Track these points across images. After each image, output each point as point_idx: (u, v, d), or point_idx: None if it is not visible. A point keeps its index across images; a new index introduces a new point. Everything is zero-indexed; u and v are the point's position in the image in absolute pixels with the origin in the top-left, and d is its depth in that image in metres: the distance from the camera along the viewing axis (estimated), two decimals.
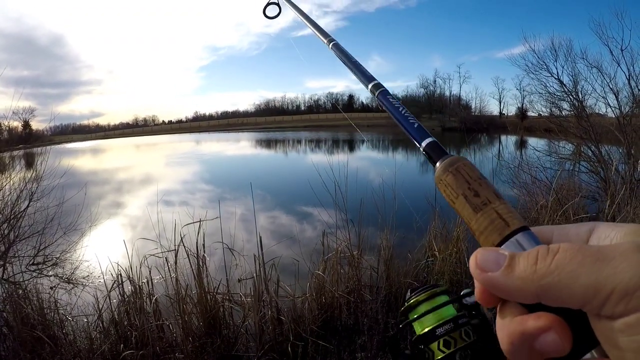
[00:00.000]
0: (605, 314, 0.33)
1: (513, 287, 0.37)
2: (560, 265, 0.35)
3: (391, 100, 0.68)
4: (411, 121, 0.61)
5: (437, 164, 0.50)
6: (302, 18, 1.33)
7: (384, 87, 0.74)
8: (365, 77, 0.80)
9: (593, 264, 0.33)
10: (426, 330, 0.64)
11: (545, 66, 9.99)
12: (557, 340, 0.35)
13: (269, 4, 1.72)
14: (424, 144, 0.56)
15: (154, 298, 4.13)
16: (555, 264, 0.35)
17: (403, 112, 0.64)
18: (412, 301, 0.68)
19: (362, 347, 3.96)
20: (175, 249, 4.17)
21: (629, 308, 0.32)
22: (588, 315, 0.36)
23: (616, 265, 0.33)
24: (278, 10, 1.72)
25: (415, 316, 0.67)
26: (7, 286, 5.13)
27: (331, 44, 1.05)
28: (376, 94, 0.73)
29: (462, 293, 0.67)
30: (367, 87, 0.77)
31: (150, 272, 4.29)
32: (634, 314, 0.32)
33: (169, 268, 4.19)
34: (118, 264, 4.38)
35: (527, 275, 0.36)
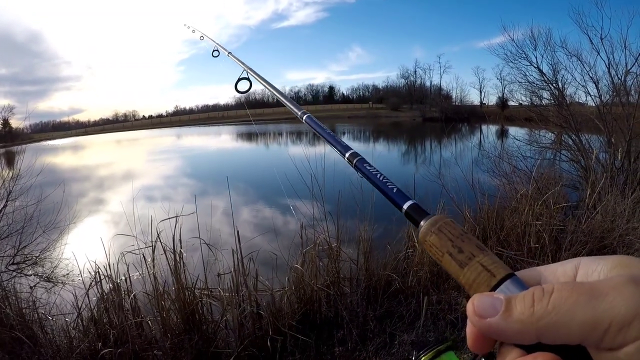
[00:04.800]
0: (606, 346, 0.35)
1: (513, 330, 0.39)
2: (558, 305, 0.37)
3: (368, 168, 0.69)
4: (390, 186, 0.62)
5: (421, 224, 0.52)
6: (274, 92, 1.36)
7: (360, 155, 0.74)
8: (341, 146, 0.81)
9: (589, 301, 0.36)
10: None
11: (524, 55, 10.07)
12: None
13: (240, 79, 1.75)
14: (405, 206, 0.57)
15: (132, 295, 4.10)
16: (552, 304, 0.37)
17: (381, 178, 0.65)
18: None
19: (342, 340, 3.97)
20: (152, 245, 4.14)
21: (627, 338, 0.34)
22: (588, 349, 0.37)
23: (610, 300, 0.35)
24: (249, 85, 1.75)
25: None
26: None
27: (305, 116, 1.07)
28: (354, 163, 0.74)
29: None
30: (344, 156, 0.78)
31: (128, 269, 4.25)
32: (633, 343, 0.34)
33: (146, 265, 4.16)
34: (95, 262, 4.33)
35: (525, 317, 0.38)
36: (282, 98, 1.27)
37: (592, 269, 0.42)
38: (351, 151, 0.77)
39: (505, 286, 0.43)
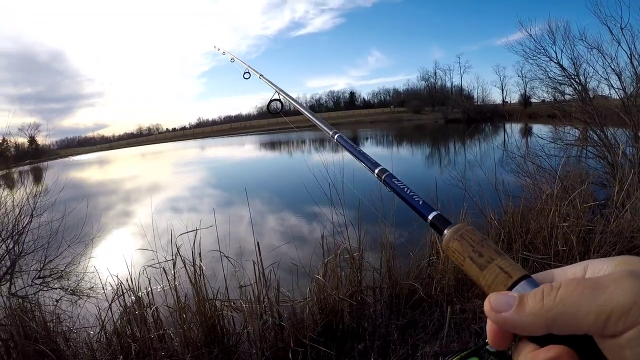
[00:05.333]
0: (608, 333, 0.39)
1: (525, 322, 0.43)
2: (564, 298, 0.41)
3: (396, 182, 0.75)
4: (416, 199, 0.67)
5: (444, 233, 0.57)
6: (306, 113, 1.41)
7: (388, 171, 0.80)
8: (371, 163, 0.87)
9: (592, 293, 0.40)
10: None
11: (543, 50, 9.85)
12: None
13: (272, 100, 1.81)
14: (430, 217, 0.62)
15: (154, 308, 4.12)
16: (559, 297, 0.41)
17: (408, 192, 0.70)
18: None
19: (363, 352, 3.89)
20: (172, 259, 4.15)
21: (627, 324, 0.37)
22: (594, 338, 0.41)
23: (611, 291, 0.39)
24: (281, 106, 1.82)
25: None
26: (13, 300, 5.13)
27: (336, 135, 1.12)
28: (382, 178, 0.80)
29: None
30: (373, 172, 0.84)
31: (149, 282, 4.27)
32: (633, 329, 0.37)
33: (167, 278, 4.17)
34: (117, 276, 4.36)
35: (536, 310, 0.42)
36: (313, 118, 1.33)
37: (598, 268, 0.46)
38: (380, 167, 0.83)
39: (521, 286, 0.47)
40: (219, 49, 3.32)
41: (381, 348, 3.90)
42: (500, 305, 0.45)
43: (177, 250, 4.11)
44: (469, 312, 4.23)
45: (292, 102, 1.61)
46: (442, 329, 3.99)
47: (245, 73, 2.47)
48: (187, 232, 4.22)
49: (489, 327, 0.48)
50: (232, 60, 2.93)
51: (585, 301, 0.39)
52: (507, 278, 0.47)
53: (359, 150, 0.95)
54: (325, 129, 1.20)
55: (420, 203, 0.66)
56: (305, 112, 1.38)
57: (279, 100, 1.80)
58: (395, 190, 0.74)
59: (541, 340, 0.44)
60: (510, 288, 0.47)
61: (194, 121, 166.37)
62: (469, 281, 4.60)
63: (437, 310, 4.30)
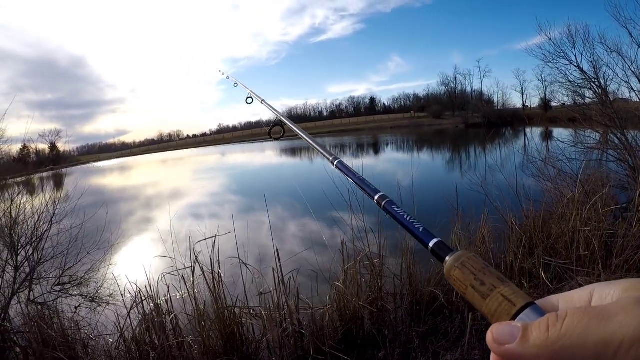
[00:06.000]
0: None
1: (530, 354, 0.41)
2: (571, 329, 0.39)
3: (396, 209, 0.73)
4: (417, 226, 0.66)
5: (446, 260, 0.55)
6: (305, 137, 1.40)
7: (388, 197, 0.79)
8: (371, 189, 0.85)
9: (599, 323, 0.38)
10: None
11: (563, 54, 9.74)
12: None
13: (273, 125, 1.82)
14: (431, 244, 0.61)
15: (172, 315, 4.11)
16: (566, 328, 0.39)
17: (409, 219, 0.69)
18: None
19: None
20: (192, 266, 4.14)
21: (638, 355, 0.35)
22: None
23: (620, 320, 0.37)
24: (282, 132, 1.82)
25: None
26: (33, 307, 5.17)
27: (336, 161, 1.10)
28: (382, 205, 0.78)
29: None
30: (373, 199, 0.82)
31: (168, 289, 4.27)
32: None
33: (186, 285, 4.16)
34: (136, 283, 4.37)
35: (541, 342, 0.40)
36: (314, 144, 1.31)
37: (605, 293, 0.44)
38: (380, 194, 0.81)
39: (525, 314, 0.45)
40: (223, 73, 3.36)
41: (402, 356, 3.85)
42: (503, 337, 0.43)
43: (196, 257, 4.10)
44: None
45: (293, 127, 1.62)
46: (463, 336, 3.92)
47: (247, 98, 2.49)
48: (206, 239, 4.22)
49: (493, 359, 0.46)
50: (236, 84, 2.93)
51: (593, 331, 0.38)
52: (511, 306, 0.46)
53: (359, 177, 0.94)
54: (326, 155, 1.18)
55: (421, 230, 0.65)
56: (306, 138, 1.38)
57: (280, 125, 1.80)
58: (395, 217, 0.72)
59: None
60: (514, 317, 0.45)
61: (214, 127, 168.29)
62: None
63: (459, 317, 4.23)
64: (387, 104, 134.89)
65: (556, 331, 0.39)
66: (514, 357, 0.42)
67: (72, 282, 6.82)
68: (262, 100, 2.26)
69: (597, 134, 9.35)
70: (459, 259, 0.53)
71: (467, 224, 5.28)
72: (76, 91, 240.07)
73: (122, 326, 4.07)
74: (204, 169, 40.42)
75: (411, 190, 5.02)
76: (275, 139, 1.85)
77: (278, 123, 1.80)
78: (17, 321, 4.94)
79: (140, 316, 4.19)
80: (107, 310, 5.39)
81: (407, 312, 4.48)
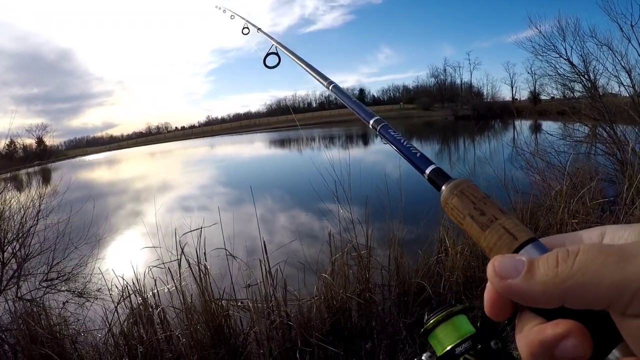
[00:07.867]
0: (633, 312, 0.33)
1: (536, 292, 0.37)
2: (584, 266, 0.35)
3: (392, 133, 0.71)
4: (413, 151, 0.63)
5: (442, 189, 0.52)
6: (301, 64, 1.37)
7: (384, 122, 0.76)
8: (366, 114, 0.83)
9: (617, 263, 0.33)
10: (446, 350, 0.67)
11: (553, 47, 9.78)
12: (577, 346, 0.35)
13: (268, 54, 1.79)
14: (427, 171, 0.58)
15: (160, 309, 4.09)
16: (578, 265, 0.35)
17: (405, 143, 0.66)
18: (429, 323, 0.71)
19: (370, 352, 3.85)
20: (178, 259, 4.12)
21: None
22: (612, 315, 0.35)
23: None
24: (278, 60, 1.80)
25: (434, 339, 0.70)
26: (19, 304, 5.12)
27: (331, 86, 1.11)
28: (378, 129, 0.76)
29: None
30: (368, 123, 0.80)
31: (155, 283, 4.25)
32: None
33: (172, 278, 4.14)
34: (123, 277, 4.34)
35: (549, 279, 0.36)
36: (309, 70, 1.29)
37: (619, 235, 0.41)
38: (376, 117, 0.79)
39: (527, 250, 0.41)
40: (219, 8, 3.32)
41: (389, 347, 3.86)
42: (506, 271, 0.39)
43: (182, 249, 4.07)
44: (478, 310, 4.17)
45: (290, 55, 1.56)
46: None
47: (243, 28, 2.48)
48: (191, 231, 4.20)
49: (488, 294, 0.42)
50: (232, 17, 2.91)
51: (609, 272, 0.33)
52: (512, 240, 0.42)
53: (354, 101, 0.93)
54: (321, 80, 1.18)
55: (418, 155, 0.61)
56: (303, 66, 1.35)
57: (276, 53, 1.77)
58: (391, 141, 0.70)
59: (548, 313, 0.39)
60: (516, 251, 0.42)
61: (203, 119, 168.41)
62: (478, 279, 4.55)
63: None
64: (376, 95, 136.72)
65: (567, 267, 0.35)
66: (517, 293, 0.38)
67: (60, 278, 6.75)
68: (259, 28, 2.24)
69: (586, 128, 9.41)
70: (458, 186, 0.49)
71: None
72: (63, 85, 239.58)
73: (110, 321, 4.06)
74: (192, 161, 40.27)
75: (399, 183, 5.01)
76: (270, 68, 1.81)
77: (274, 51, 1.78)
78: (5, 319, 4.89)
79: (127, 310, 4.16)
80: (95, 305, 5.34)
81: (394, 304, 4.49)
